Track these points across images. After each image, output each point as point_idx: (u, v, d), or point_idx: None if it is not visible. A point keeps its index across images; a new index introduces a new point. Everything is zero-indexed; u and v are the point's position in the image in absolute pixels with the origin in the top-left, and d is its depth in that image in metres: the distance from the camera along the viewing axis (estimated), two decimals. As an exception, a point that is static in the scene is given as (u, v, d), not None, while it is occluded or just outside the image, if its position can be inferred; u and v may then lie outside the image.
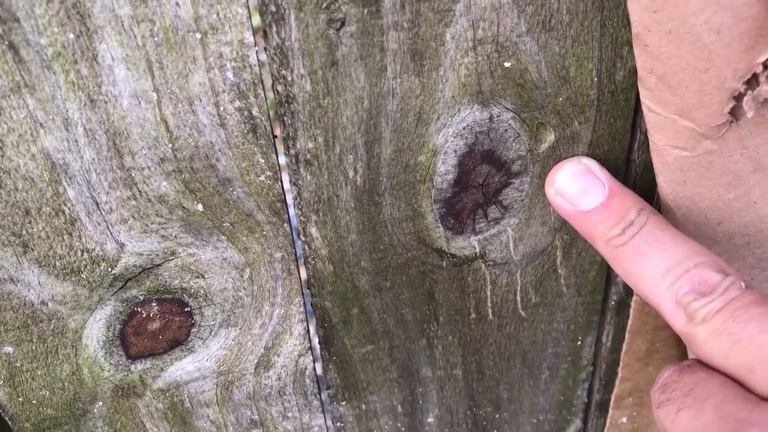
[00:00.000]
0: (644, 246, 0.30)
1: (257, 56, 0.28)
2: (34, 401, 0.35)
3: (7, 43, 0.25)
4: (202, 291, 0.34)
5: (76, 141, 0.28)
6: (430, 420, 0.44)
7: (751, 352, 0.25)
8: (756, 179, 0.33)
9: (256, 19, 0.29)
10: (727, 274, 0.28)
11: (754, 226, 0.35)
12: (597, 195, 0.32)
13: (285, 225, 0.33)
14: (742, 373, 0.25)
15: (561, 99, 0.32)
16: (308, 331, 0.37)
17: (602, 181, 0.33)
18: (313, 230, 0.34)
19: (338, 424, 0.43)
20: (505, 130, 0.32)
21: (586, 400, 0.47)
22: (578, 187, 0.33)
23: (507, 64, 0.30)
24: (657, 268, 0.29)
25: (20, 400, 0.35)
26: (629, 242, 0.31)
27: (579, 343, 0.43)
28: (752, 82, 0.29)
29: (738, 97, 0.29)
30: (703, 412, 0.25)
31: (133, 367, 0.35)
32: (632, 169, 0.36)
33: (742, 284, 0.28)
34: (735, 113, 0.30)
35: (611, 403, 0.46)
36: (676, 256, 0.29)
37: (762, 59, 0.28)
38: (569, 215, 0.33)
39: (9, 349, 0.33)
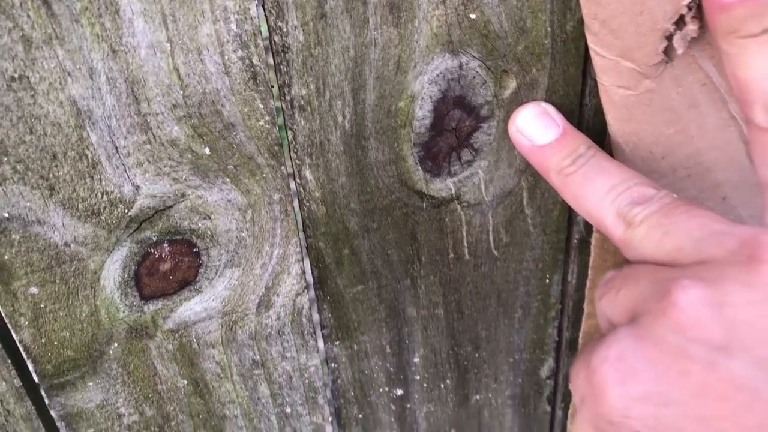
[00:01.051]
0: (591, 173, 0.35)
1: (257, 10, 0.32)
2: (55, 342, 0.38)
3: (41, -2, 0.29)
4: (208, 232, 0.38)
5: (99, 89, 0.32)
6: (416, 360, 0.48)
7: (679, 235, 0.30)
8: (692, 115, 0.38)
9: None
10: (661, 190, 0.33)
11: (693, 159, 0.40)
12: (552, 132, 0.37)
13: (282, 168, 0.37)
14: (672, 256, 0.30)
15: (520, 48, 0.37)
16: (304, 271, 0.41)
17: (557, 122, 0.37)
18: (308, 173, 0.38)
19: (332, 364, 0.47)
20: (473, 77, 0.37)
21: (557, 338, 0.51)
22: (536, 125, 0.37)
23: (472, 16, 0.35)
24: (601, 188, 0.34)
25: (43, 341, 0.38)
26: (578, 170, 0.35)
27: (547, 281, 0.47)
28: (680, 22, 0.34)
29: (669, 37, 0.34)
30: (639, 284, 0.29)
31: (145, 308, 0.39)
32: (585, 113, 0.40)
33: (675, 196, 0.33)
34: (669, 54, 0.35)
35: (579, 341, 0.50)
36: (619, 178, 0.34)
37: (686, 1, 0.33)
38: (527, 150, 0.38)
39: (34, 290, 0.36)
